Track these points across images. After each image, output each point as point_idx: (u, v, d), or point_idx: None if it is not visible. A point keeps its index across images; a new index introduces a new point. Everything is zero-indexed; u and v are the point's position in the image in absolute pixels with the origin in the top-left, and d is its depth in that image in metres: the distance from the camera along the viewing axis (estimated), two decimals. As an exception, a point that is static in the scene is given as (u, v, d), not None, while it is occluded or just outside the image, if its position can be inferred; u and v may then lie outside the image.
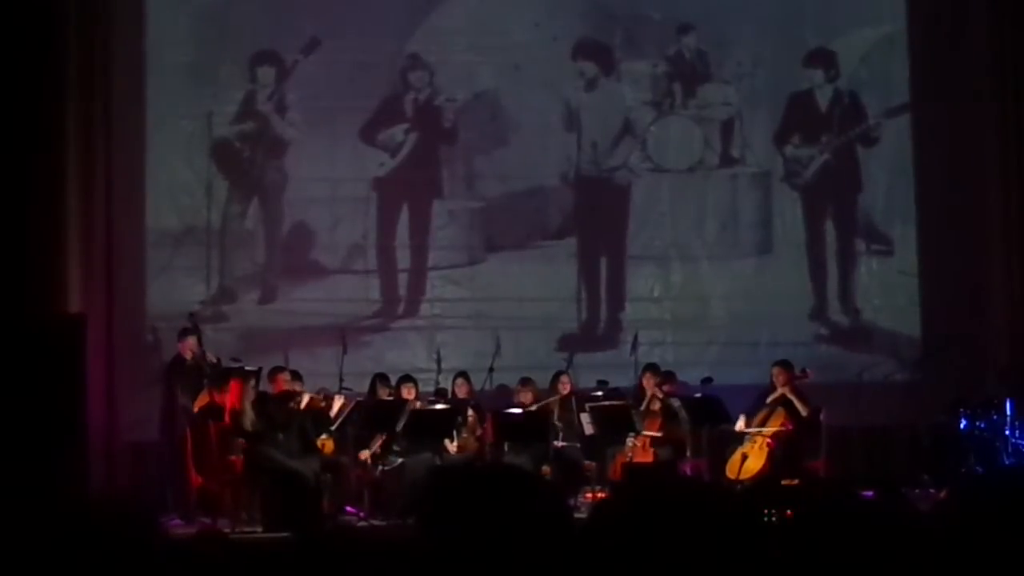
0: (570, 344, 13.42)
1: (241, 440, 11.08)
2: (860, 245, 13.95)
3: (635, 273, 13.91)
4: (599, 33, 14.03)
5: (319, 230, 13.70)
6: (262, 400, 11.24)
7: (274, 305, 13.51)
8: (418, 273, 13.78)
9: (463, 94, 13.91)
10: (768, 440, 11.68)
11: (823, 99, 14.05)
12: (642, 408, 12.04)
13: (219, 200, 13.56)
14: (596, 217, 13.96)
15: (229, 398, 11.17)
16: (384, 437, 11.60)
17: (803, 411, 11.77)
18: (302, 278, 13.64)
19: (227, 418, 11.12)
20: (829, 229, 13.91)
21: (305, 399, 11.45)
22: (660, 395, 12.03)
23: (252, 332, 13.27)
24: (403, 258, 13.77)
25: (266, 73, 13.73)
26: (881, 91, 14.10)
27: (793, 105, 14.03)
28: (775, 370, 12.00)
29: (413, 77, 13.86)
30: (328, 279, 13.64)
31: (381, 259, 13.78)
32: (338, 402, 11.64)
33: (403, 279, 13.76)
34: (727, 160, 14.02)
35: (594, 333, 13.79)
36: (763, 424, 11.84)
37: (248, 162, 13.69)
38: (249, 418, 11.14)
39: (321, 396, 11.74)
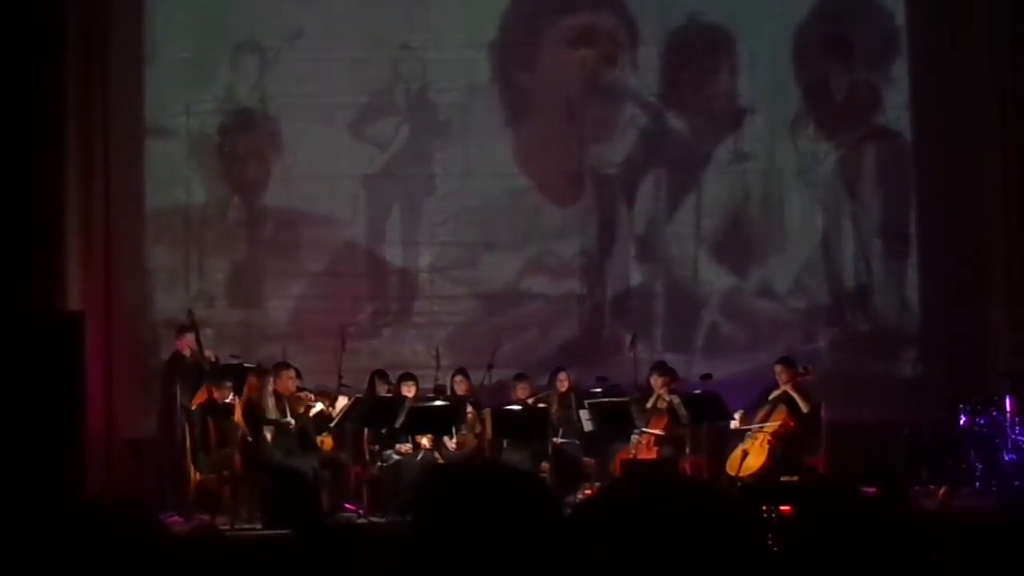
0: (572, 355, 15.00)
1: (244, 433, 12.68)
2: (877, 244, 15.42)
3: (635, 270, 15.38)
4: (602, 20, 15.40)
5: (305, 228, 15.18)
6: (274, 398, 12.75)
7: (259, 307, 15.07)
8: (410, 272, 15.25)
9: (458, 85, 15.35)
10: (769, 437, 13.42)
11: (839, 90, 15.49)
12: (648, 406, 13.74)
13: (199, 197, 15.16)
14: (599, 215, 15.40)
15: (245, 392, 12.72)
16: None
17: (804, 408, 13.44)
18: (287, 280, 15.19)
19: (239, 412, 12.67)
20: (846, 227, 15.41)
21: (316, 408, 13.14)
22: (667, 395, 13.74)
23: (241, 333, 14.86)
24: (394, 257, 15.27)
25: (249, 63, 15.20)
26: (900, 82, 15.46)
27: (808, 97, 15.44)
28: (778, 367, 13.66)
29: (405, 67, 15.31)
30: (315, 280, 15.15)
31: (371, 258, 15.22)
32: (341, 402, 13.26)
33: (394, 279, 15.25)
34: (738, 155, 15.43)
35: (598, 343, 15.29)
36: (764, 421, 13.53)
37: (229, 158, 15.22)
38: (270, 411, 12.75)
39: (327, 401, 13.33)
